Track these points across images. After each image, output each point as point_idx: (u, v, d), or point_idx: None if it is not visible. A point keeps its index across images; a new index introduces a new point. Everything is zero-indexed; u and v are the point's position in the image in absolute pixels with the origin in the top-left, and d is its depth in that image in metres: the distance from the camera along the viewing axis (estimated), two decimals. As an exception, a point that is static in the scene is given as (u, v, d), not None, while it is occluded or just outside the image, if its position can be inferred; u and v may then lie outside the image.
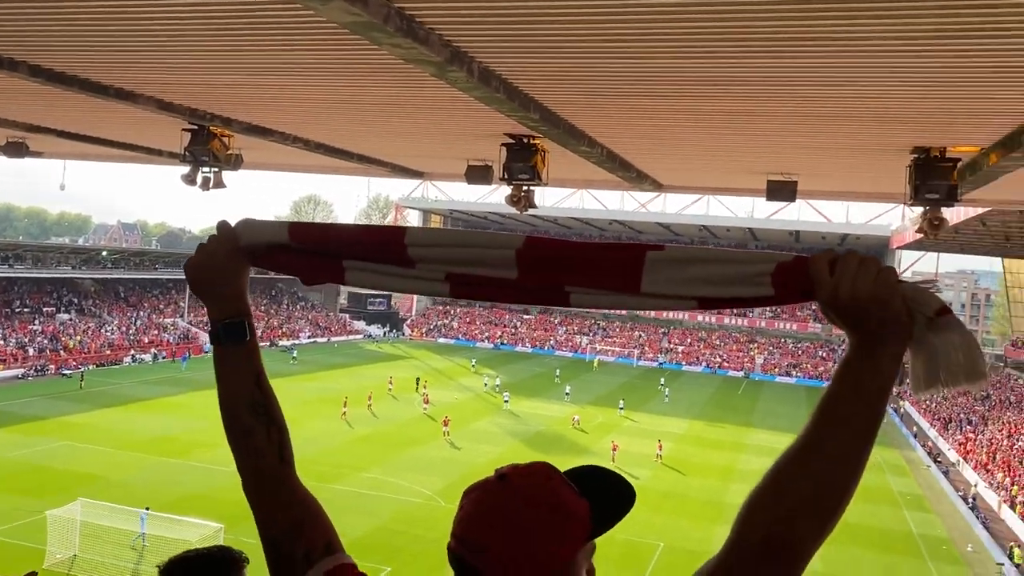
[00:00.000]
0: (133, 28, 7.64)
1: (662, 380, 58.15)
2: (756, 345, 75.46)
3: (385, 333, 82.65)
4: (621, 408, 46.11)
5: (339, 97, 10.28)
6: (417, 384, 48.83)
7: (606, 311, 78.36)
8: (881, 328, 1.23)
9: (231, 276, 1.58)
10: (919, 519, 30.75)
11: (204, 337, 64.68)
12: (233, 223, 1.60)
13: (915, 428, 50.11)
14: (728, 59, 7.19)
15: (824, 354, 72.75)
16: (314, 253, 1.57)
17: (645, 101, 9.28)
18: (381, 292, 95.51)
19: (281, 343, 65.83)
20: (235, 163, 13.59)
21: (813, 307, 77.54)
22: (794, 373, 70.38)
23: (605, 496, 1.37)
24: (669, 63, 7.50)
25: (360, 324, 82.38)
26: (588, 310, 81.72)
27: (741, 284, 1.34)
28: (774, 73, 7.57)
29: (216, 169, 13.31)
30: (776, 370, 71.35)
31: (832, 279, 1.25)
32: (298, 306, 78.51)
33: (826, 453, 1.24)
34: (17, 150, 16.00)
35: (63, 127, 14.56)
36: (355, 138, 13.94)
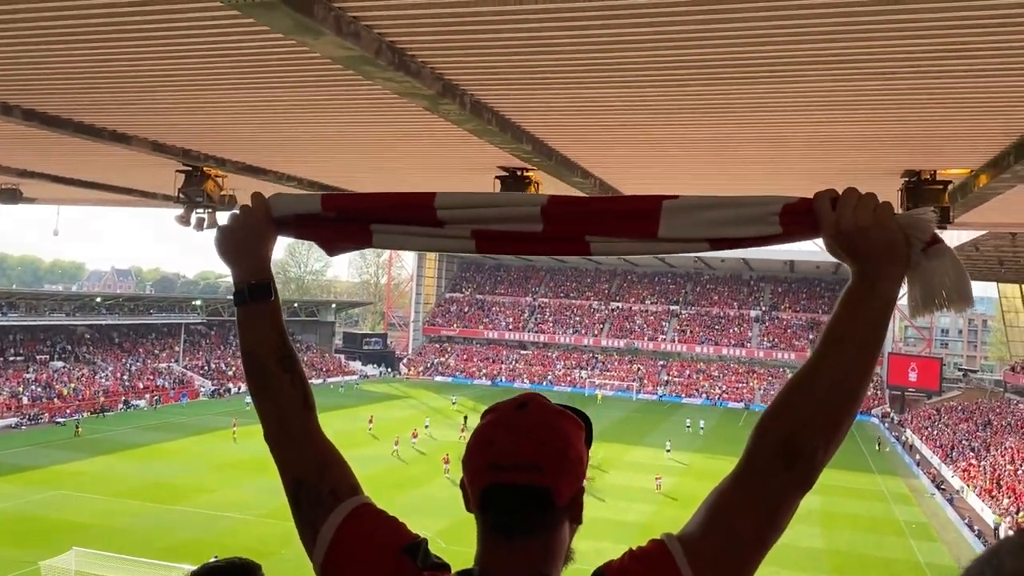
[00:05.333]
0: (125, 70, 7.67)
1: (700, 422, 55.84)
2: (755, 375, 75.23)
3: (381, 372, 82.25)
4: (668, 450, 44.23)
5: (331, 134, 10.32)
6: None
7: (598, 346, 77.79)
8: (881, 254, 1.33)
9: (258, 243, 1.67)
10: (925, 548, 30.41)
11: (199, 381, 64.34)
12: (267, 196, 1.68)
13: (918, 456, 49.83)
14: (718, 85, 7.25)
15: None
16: (341, 220, 1.64)
17: (636, 130, 9.33)
18: (374, 334, 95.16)
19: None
20: (229, 203, 13.60)
21: (811, 337, 77.48)
22: (793, 403, 70.05)
23: (578, 415, 1.47)
24: (659, 91, 7.56)
25: (356, 364, 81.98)
26: (584, 343, 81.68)
27: (751, 224, 1.43)
28: (764, 98, 7.62)
29: (210, 210, 13.32)
30: (775, 400, 70.98)
31: (834, 213, 1.35)
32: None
33: (835, 368, 1.34)
34: (11, 196, 16.01)
35: (57, 172, 14.57)
36: (348, 175, 13.98)
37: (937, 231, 1.38)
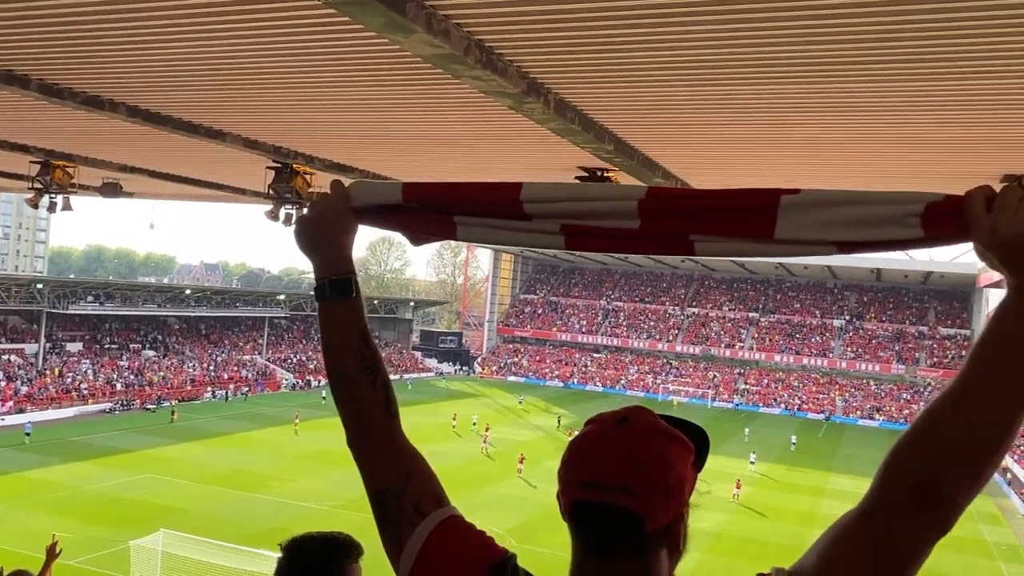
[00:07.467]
0: (222, 68, 7.98)
1: (792, 437, 53.24)
2: (837, 387, 73.09)
3: (456, 371, 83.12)
4: (752, 463, 43.25)
5: (416, 132, 10.49)
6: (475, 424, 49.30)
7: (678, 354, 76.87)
8: None
9: (339, 234, 1.61)
10: (1016, 571, 29.08)
11: (281, 373, 66.18)
12: (347, 183, 1.63)
13: (1009, 475, 47.59)
14: (814, 85, 7.08)
15: (908, 396, 69.98)
16: (425, 210, 1.57)
17: (723, 131, 9.19)
18: (450, 333, 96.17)
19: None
20: (320, 196, 13.97)
21: (896, 347, 74.90)
22: (877, 416, 67.83)
23: (690, 432, 1.35)
24: (750, 90, 7.42)
25: (432, 361, 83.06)
26: (659, 348, 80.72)
27: (887, 225, 1.26)
28: (862, 99, 7.41)
29: (298, 206, 13.70)
30: (858, 413, 68.89)
31: (990, 216, 1.18)
32: (371, 344, 79.61)
33: (985, 397, 1.18)
34: (113, 190, 16.78)
35: (155, 167, 15.23)
36: (431, 174, 14.18)
37: None
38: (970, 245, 1.23)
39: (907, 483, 1.19)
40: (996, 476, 47.07)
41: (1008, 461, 50.82)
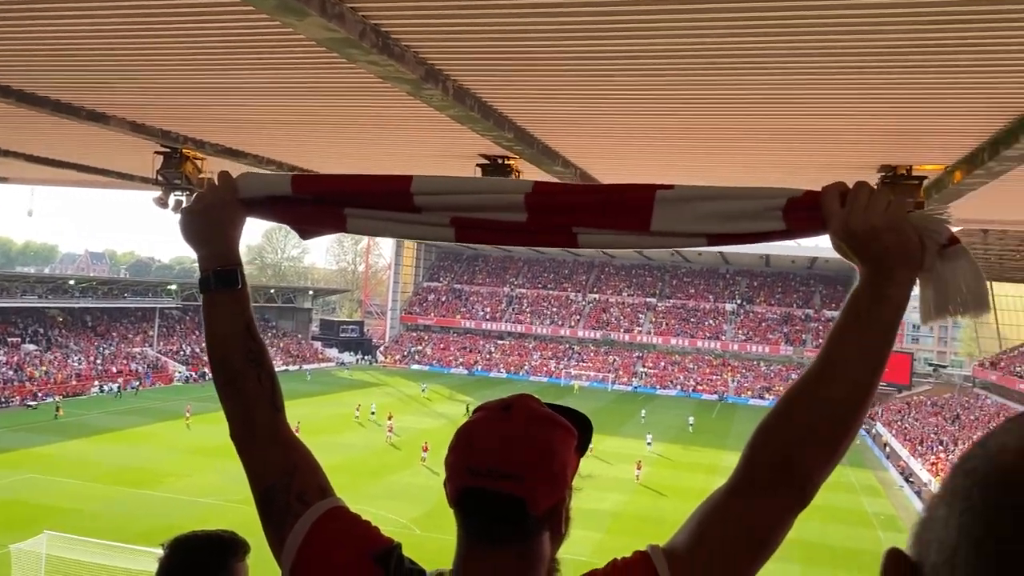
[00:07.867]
0: (105, 49, 7.60)
1: (690, 418, 54.62)
2: (729, 368, 75.81)
3: (358, 360, 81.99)
4: (649, 444, 44.19)
5: (312, 117, 10.27)
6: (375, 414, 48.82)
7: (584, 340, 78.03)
8: (892, 256, 1.24)
9: (225, 226, 1.59)
10: (893, 540, 30.90)
11: (173, 366, 63.81)
12: (235, 175, 1.60)
13: (887, 448, 50.56)
14: (695, 77, 7.31)
15: (796, 376, 72.80)
16: (314, 203, 1.56)
17: (615, 121, 9.38)
18: (351, 322, 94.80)
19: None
20: (208, 186, 13.50)
21: (784, 330, 77.92)
22: (767, 396, 70.74)
23: (574, 419, 1.40)
24: (637, 81, 7.60)
25: (332, 352, 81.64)
26: (561, 334, 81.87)
27: (752, 219, 1.34)
28: (746, 92, 7.69)
29: (188, 192, 13.20)
30: (749, 393, 71.69)
31: (843, 210, 1.27)
32: (268, 334, 77.57)
33: (841, 378, 1.26)
34: (-16, 175, 15.77)
35: (32, 151, 14.38)
36: (328, 161, 13.92)
37: (953, 232, 1.28)
38: None
39: (770, 460, 1.26)
40: (876, 450, 50.03)
41: (887, 435, 54.06)
